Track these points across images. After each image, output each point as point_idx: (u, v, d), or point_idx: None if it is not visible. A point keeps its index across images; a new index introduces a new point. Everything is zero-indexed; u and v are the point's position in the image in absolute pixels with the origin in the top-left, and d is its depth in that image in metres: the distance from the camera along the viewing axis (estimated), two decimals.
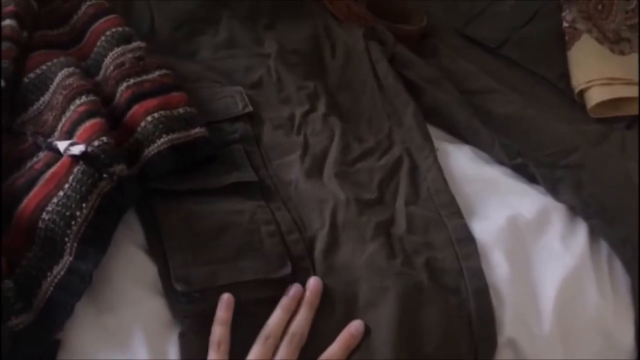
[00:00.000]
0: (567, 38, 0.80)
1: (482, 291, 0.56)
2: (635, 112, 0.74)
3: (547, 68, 0.80)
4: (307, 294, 0.53)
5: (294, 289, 0.52)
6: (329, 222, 0.57)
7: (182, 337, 0.50)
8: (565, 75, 0.78)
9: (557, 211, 0.63)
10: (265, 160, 0.62)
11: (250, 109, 0.65)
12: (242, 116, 0.65)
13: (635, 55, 0.79)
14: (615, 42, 0.79)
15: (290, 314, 0.52)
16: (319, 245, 0.56)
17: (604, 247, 0.62)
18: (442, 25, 0.86)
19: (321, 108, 0.68)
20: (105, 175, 0.49)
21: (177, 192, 0.55)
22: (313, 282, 0.53)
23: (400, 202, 0.61)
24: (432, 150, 0.66)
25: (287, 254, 0.54)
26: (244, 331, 0.51)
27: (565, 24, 0.82)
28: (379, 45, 0.75)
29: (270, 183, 0.60)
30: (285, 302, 0.52)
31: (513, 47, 0.83)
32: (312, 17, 0.80)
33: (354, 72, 0.74)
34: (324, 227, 0.57)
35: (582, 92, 0.75)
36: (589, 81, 0.74)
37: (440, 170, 0.64)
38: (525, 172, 0.66)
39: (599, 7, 0.87)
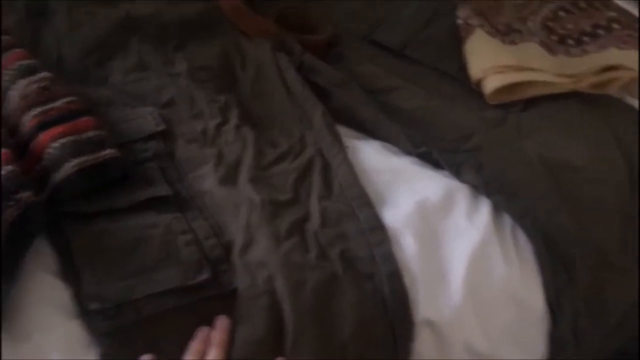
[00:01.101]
0: (462, 34, 0.86)
1: (395, 274, 0.59)
2: (527, 95, 0.79)
3: (447, 63, 0.85)
4: (216, 334, 0.53)
5: (201, 332, 0.53)
6: (244, 223, 0.60)
7: (103, 357, 0.50)
8: (464, 68, 0.84)
9: (461, 191, 0.67)
10: (180, 174, 0.64)
11: (162, 127, 0.67)
12: (155, 134, 0.67)
13: (526, 43, 0.85)
14: (506, 34, 0.85)
15: (201, 356, 0.51)
16: (236, 246, 0.58)
17: (507, 220, 0.66)
18: (350, 33, 0.91)
19: (233, 119, 0.71)
20: (11, 203, 0.50)
21: (88, 214, 0.56)
22: (220, 321, 0.54)
23: (314, 199, 0.64)
24: (342, 148, 0.69)
25: (205, 260, 0.56)
26: (167, 342, 0.52)
27: (459, 21, 0.87)
28: (286, 55, 0.79)
29: (186, 195, 0.62)
30: (194, 346, 0.52)
31: (416, 47, 0.88)
32: (221, 36, 0.83)
33: (264, 83, 0.77)
34: (239, 229, 0.60)
35: (479, 81, 0.81)
36: (484, 70, 0.80)
37: (350, 166, 0.67)
38: (430, 159, 0.70)
39: (491, 3, 0.93)
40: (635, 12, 0.97)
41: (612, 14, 0.90)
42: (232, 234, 0.60)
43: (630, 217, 0.70)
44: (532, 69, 0.80)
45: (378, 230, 0.62)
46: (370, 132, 0.74)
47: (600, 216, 0.69)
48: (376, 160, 0.69)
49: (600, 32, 0.89)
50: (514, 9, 0.93)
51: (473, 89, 0.82)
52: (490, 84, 0.79)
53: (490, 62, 0.80)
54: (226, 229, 0.60)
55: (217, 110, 0.71)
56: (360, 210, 0.63)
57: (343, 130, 0.73)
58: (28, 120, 0.59)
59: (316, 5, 0.94)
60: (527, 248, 0.65)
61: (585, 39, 0.89)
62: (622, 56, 0.85)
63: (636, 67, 0.82)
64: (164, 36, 0.81)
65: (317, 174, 0.67)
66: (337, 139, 0.70)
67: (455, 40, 0.87)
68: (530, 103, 0.80)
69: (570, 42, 0.89)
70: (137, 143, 0.66)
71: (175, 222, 0.58)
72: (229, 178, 0.64)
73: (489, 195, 0.66)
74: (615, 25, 0.89)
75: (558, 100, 0.80)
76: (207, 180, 0.63)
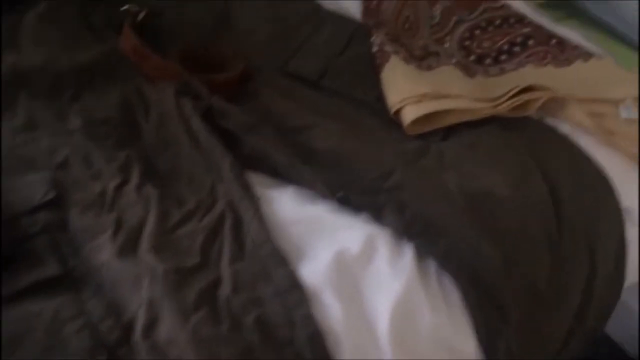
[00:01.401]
0: (378, 61, 0.83)
1: (316, 337, 0.55)
2: (447, 123, 0.77)
3: (365, 92, 0.82)
4: None
5: None
6: (146, 298, 0.55)
7: None
8: (382, 97, 0.81)
9: (382, 237, 0.63)
10: (75, 246, 0.59)
11: (52, 194, 0.61)
12: (45, 204, 0.61)
13: (443, 67, 0.83)
14: (422, 59, 0.83)
15: None
16: (139, 326, 0.53)
17: (431, 264, 0.63)
18: (264, 65, 0.87)
19: (135, 178, 0.66)
20: None
21: None
22: None
23: (225, 262, 0.60)
24: (254, 200, 0.65)
25: (99, 346, 0.51)
26: None
27: (374, 48, 0.85)
28: (191, 100, 0.73)
29: (81, 271, 0.57)
30: None
31: (332, 77, 0.85)
32: (122, 83, 0.77)
33: (169, 132, 0.72)
34: (141, 305, 0.54)
35: (397, 112, 0.78)
36: (402, 100, 0.77)
37: (262, 220, 0.63)
38: (349, 204, 0.67)
39: (406, 25, 0.91)
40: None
41: (527, 30, 0.89)
42: (134, 311, 0.54)
43: (557, 246, 0.68)
44: (450, 96, 0.77)
45: (295, 290, 0.57)
46: (284, 177, 0.70)
47: (526, 248, 0.67)
48: (291, 210, 0.65)
49: (517, 49, 0.88)
50: (429, 30, 0.91)
51: (391, 119, 0.79)
52: (408, 115, 0.76)
53: (406, 91, 0.77)
54: (126, 305, 0.55)
55: (116, 170, 0.66)
56: (275, 269, 0.59)
57: (256, 178, 0.69)
58: None
59: (226, 38, 0.90)
60: (454, 291, 0.63)
61: (503, 57, 0.88)
62: (538, 75, 0.85)
63: (553, 85, 0.81)
64: (58, 87, 0.75)
65: (228, 232, 0.62)
66: (248, 191, 0.66)
67: (373, 68, 0.84)
68: (451, 131, 0.78)
69: (488, 61, 0.88)
70: (25, 216, 0.60)
71: (65, 306, 0.53)
72: (129, 247, 0.59)
73: (411, 238, 0.63)
74: (530, 42, 0.88)
75: (478, 127, 0.78)
76: (103, 252, 0.58)
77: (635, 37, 1.03)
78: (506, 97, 0.77)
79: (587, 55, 0.86)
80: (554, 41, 0.87)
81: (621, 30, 1.06)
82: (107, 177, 0.65)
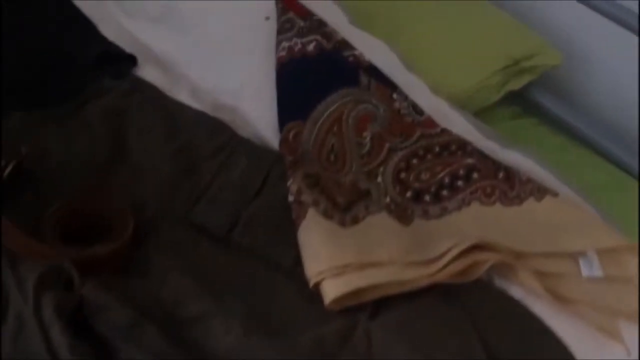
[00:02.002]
0: (294, 215, 0.70)
1: None
2: (376, 295, 0.64)
3: (281, 254, 0.68)
4: None
5: None
6: None
7: None
8: (301, 260, 0.68)
9: None
10: None
11: None
12: None
13: (371, 218, 0.70)
14: (347, 208, 0.70)
15: None
16: None
17: None
18: (164, 212, 0.73)
19: None
20: None
21: None
22: None
23: None
24: None
25: None
26: None
27: (290, 197, 0.71)
28: (58, 295, 0.59)
29: None
30: None
31: (243, 230, 0.71)
32: None
33: (27, 346, 0.58)
34: None
35: (317, 283, 0.65)
36: (319, 273, 0.64)
37: None
38: None
39: (331, 157, 0.78)
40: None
41: (470, 160, 0.76)
42: None
43: None
44: (378, 264, 0.65)
45: None
46: None
47: None
48: None
49: (460, 183, 0.76)
50: (359, 160, 0.78)
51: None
52: (329, 292, 0.63)
53: (325, 261, 0.64)
54: None
55: None
56: None
57: None
58: None
59: (121, 176, 0.76)
60: None
61: (444, 192, 0.76)
62: (484, 216, 0.72)
63: (501, 232, 0.69)
64: None
65: None
66: None
67: (291, 219, 0.71)
68: (382, 303, 0.65)
69: (427, 197, 0.75)
70: None
71: None
72: None
73: None
74: (475, 175, 0.76)
75: (413, 298, 0.65)
76: None
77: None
78: (446, 260, 0.65)
79: (540, 192, 0.73)
80: (501, 174, 0.75)
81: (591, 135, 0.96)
82: None
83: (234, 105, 0.87)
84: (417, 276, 0.64)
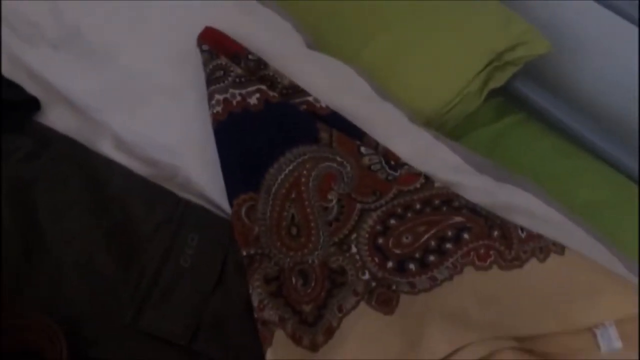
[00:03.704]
0: (261, 338, 0.57)
1: None
2: None
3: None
4: None
5: None
6: None
7: None
8: None
9: None
10: None
11: None
12: None
13: (348, 322, 0.58)
14: (317, 320, 0.58)
15: None
16: None
17: None
18: (103, 324, 0.60)
19: None
20: None
21: None
22: None
23: None
24: None
25: None
26: None
27: (256, 316, 0.58)
28: None
29: None
30: None
31: (209, 334, 0.59)
32: None
33: None
34: None
35: None
36: None
37: None
38: None
39: (293, 231, 0.65)
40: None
41: (459, 218, 0.64)
42: None
43: None
44: None
45: None
46: None
47: None
48: None
49: (448, 246, 0.64)
50: (327, 228, 0.65)
51: None
52: None
53: None
54: None
55: None
56: None
57: None
58: None
59: (42, 273, 0.62)
60: None
61: (431, 257, 0.64)
62: (482, 283, 0.61)
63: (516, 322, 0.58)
64: None
65: None
66: None
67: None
68: None
69: (412, 266, 0.64)
70: None
71: None
72: None
73: None
74: (466, 235, 0.64)
75: None
76: None
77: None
78: None
79: (543, 251, 0.62)
80: (496, 233, 0.63)
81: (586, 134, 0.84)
82: None
83: (171, 163, 0.72)
84: None
